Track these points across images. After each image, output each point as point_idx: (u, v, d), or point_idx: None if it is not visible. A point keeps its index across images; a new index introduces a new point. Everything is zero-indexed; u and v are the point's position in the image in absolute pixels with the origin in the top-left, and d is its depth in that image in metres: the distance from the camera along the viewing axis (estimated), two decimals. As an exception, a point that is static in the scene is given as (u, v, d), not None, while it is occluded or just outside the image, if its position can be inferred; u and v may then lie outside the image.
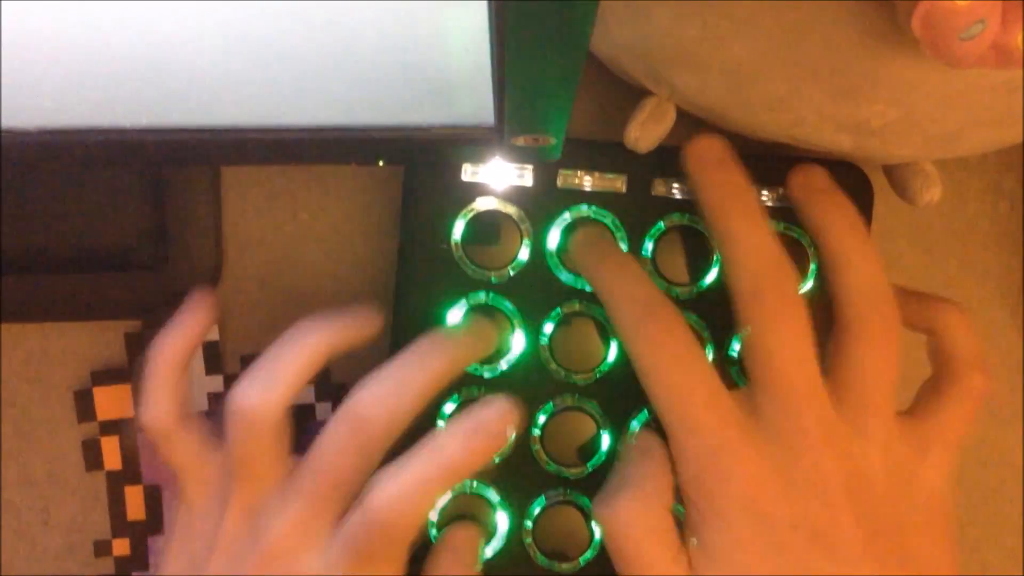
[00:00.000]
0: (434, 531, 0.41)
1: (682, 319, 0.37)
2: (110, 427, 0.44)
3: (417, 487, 0.34)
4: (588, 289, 0.41)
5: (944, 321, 0.38)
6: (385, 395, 0.35)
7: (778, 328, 0.35)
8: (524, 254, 0.41)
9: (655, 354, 0.36)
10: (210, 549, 0.36)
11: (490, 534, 0.41)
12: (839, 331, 0.36)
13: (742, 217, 0.37)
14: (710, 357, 0.41)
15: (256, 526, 0.35)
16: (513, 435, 0.36)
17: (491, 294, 0.41)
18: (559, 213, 0.41)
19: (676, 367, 0.36)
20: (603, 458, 0.41)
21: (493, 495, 0.41)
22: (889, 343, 0.36)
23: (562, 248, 0.40)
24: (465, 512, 0.41)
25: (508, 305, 0.41)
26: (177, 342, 0.38)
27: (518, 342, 0.41)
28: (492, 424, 0.36)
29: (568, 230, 0.40)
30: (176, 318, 0.38)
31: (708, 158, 0.38)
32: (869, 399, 0.36)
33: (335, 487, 0.35)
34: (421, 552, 0.38)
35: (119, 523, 0.44)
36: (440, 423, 0.40)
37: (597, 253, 0.39)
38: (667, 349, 0.36)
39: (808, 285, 0.41)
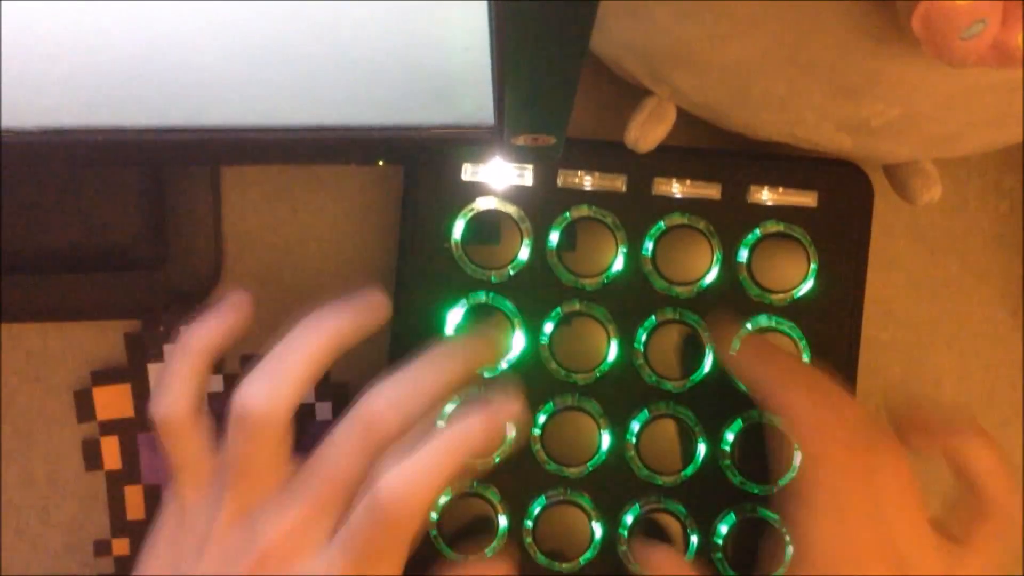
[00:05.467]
0: (434, 532, 0.41)
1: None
2: (110, 427, 0.43)
3: (427, 475, 0.33)
4: (588, 288, 0.41)
5: (966, 454, 0.38)
6: (401, 399, 0.35)
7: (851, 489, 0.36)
8: (524, 254, 0.40)
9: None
10: (200, 549, 0.35)
11: (491, 533, 0.41)
12: (972, 513, 0.37)
13: (803, 387, 0.37)
14: (710, 359, 0.41)
15: (252, 528, 0.35)
16: (513, 431, 0.37)
17: (491, 294, 0.41)
18: (559, 213, 0.40)
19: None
20: (603, 458, 0.41)
21: (493, 495, 0.41)
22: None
23: (563, 247, 0.41)
24: (465, 512, 0.41)
25: (508, 305, 0.41)
26: (210, 335, 0.37)
27: (518, 342, 0.41)
28: (503, 412, 0.36)
29: (568, 230, 0.40)
30: (212, 312, 0.37)
31: (759, 351, 0.40)
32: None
33: (340, 490, 0.35)
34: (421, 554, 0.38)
35: (119, 523, 0.44)
36: (440, 424, 0.40)
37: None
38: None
39: (808, 285, 0.41)
